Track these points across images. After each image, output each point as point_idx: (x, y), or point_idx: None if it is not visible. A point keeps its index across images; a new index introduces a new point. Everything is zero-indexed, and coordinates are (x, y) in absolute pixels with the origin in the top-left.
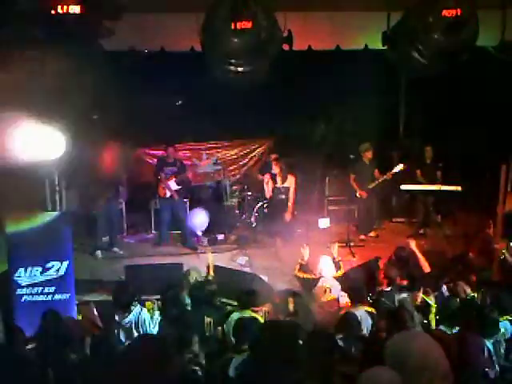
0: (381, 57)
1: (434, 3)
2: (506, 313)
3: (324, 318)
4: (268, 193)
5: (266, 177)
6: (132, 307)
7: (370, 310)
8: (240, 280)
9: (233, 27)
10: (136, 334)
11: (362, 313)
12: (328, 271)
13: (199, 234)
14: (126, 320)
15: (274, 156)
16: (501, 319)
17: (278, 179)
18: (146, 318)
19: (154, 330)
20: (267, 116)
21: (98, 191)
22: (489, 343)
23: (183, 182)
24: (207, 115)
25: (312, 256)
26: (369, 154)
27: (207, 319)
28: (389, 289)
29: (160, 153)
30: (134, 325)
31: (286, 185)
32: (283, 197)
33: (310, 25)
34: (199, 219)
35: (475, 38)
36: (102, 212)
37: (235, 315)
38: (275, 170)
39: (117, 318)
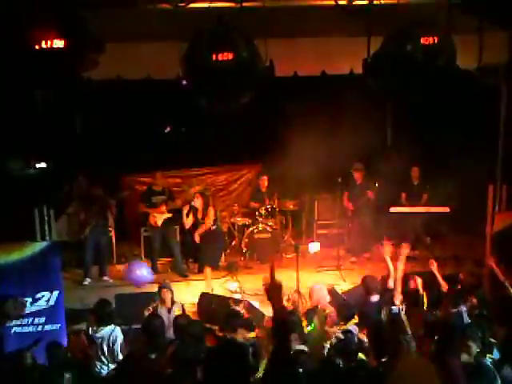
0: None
1: (412, 31)
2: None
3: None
4: (187, 225)
5: (186, 208)
6: (107, 324)
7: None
8: (228, 306)
9: (214, 58)
10: (106, 350)
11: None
12: (323, 300)
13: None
14: (98, 335)
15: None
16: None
17: (199, 213)
18: (119, 336)
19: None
20: (256, 141)
21: (85, 219)
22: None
23: (174, 209)
24: (195, 141)
25: (305, 281)
26: (357, 175)
27: None
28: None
29: (149, 180)
30: (105, 341)
31: (205, 219)
32: (213, 228)
33: (296, 51)
34: (141, 272)
35: (453, 64)
36: (90, 240)
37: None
38: (196, 202)
39: (90, 331)
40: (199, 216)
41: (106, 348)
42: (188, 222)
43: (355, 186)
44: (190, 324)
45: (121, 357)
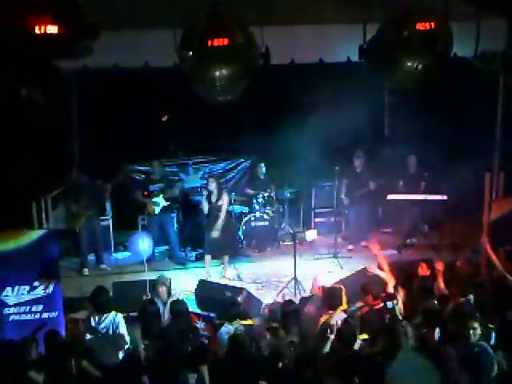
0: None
1: (409, 17)
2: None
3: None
4: (206, 210)
5: (205, 193)
6: (107, 312)
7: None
8: (227, 294)
9: (209, 44)
10: (111, 339)
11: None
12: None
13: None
14: (102, 325)
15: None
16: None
17: (213, 197)
18: (121, 323)
19: (127, 336)
20: (253, 129)
21: (78, 211)
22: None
23: (171, 198)
24: (193, 130)
25: (302, 269)
26: (357, 162)
27: None
28: (381, 305)
29: (147, 169)
30: (109, 330)
31: (220, 203)
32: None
33: (293, 39)
34: (143, 245)
35: (450, 50)
36: (85, 229)
37: (225, 329)
38: (211, 186)
39: (92, 322)
40: (213, 199)
41: (111, 337)
42: (205, 206)
43: (355, 174)
44: (175, 319)
45: (126, 343)
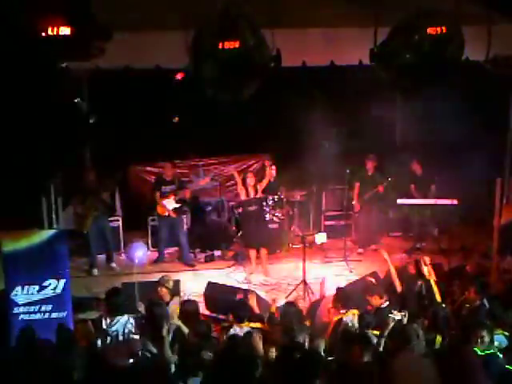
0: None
1: (419, 21)
2: (501, 325)
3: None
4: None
5: (242, 189)
6: (119, 316)
7: (355, 312)
8: (234, 296)
9: (220, 46)
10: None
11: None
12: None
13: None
14: (113, 328)
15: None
16: (496, 333)
17: (251, 191)
18: (132, 329)
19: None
20: (264, 131)
21: (85, 209)
22: None
23: (182, 199)
24: (204, 131)
25: (311, 272)
26: (369, 165)
27: None
28: (385, 305)
29: (157, 170)
30: (120, 334)
31: (259, 195)
32: (253, 208)
33: (304, 41)
34: (138, 253)
35: (461, 55)
36: (94, 229)
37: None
38: (251, 181)
39: (104, 325)
40: (251, 194)
41: (121, 340)
42: (243, 192)
43: (366, 177)
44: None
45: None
